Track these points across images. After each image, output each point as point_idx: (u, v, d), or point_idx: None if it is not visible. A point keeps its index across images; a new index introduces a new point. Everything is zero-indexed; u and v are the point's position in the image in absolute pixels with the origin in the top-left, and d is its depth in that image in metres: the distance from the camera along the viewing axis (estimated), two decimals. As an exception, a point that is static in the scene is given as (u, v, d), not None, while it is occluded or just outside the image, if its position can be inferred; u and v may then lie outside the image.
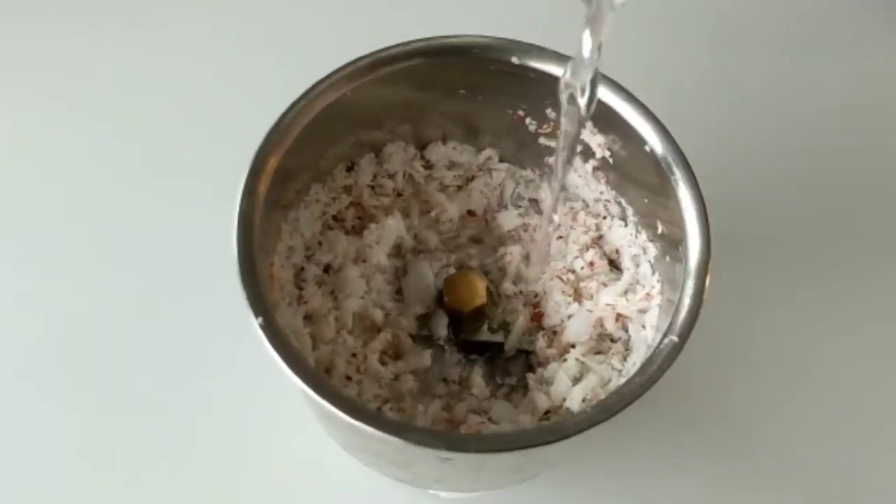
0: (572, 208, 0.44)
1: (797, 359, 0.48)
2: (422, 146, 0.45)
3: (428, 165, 0.45)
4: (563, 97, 0.34)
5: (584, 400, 0.39)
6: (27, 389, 0.45)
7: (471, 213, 0.45)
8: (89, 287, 0.48)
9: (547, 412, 0.40)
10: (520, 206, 0.45)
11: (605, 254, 0.43)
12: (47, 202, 0.51)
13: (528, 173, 0.45)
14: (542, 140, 0.43)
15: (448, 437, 0.37)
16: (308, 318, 0.41)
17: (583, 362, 0.40)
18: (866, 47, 0.59)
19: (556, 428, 0.33)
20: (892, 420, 0.47)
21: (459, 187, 0.46)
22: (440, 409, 0.41)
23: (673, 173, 0.37)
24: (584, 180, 0.43)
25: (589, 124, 0.41)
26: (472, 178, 0.46)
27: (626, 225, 0.43)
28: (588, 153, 0.42)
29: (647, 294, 0.41)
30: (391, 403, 0.40)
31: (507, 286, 0.44)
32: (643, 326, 0.40)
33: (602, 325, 0.42)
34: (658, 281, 0.40)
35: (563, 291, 0.43)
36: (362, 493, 0.43)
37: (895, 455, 0.46)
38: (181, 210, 0.50)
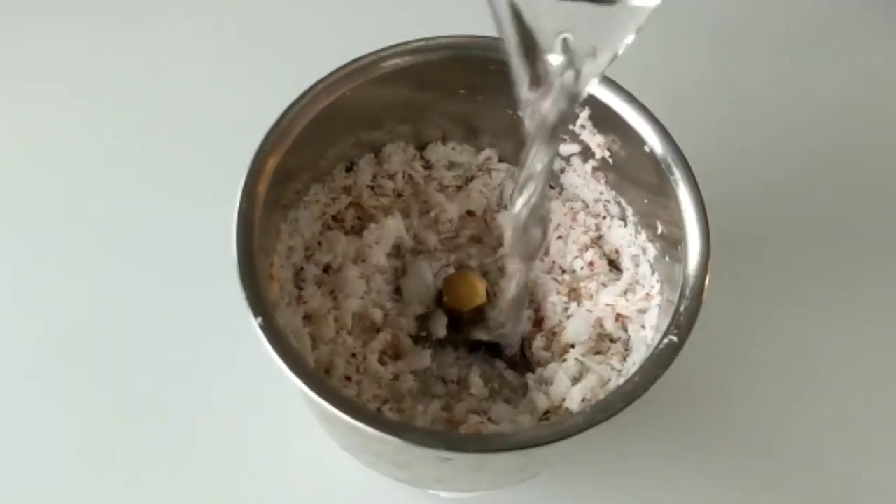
0: (572, 208, 0.44)
1: (797, 359, 0.48)
2: (421, 146, 0.45)
3: (427, 165, 0.45)
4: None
5: (583, 400, 0.39)
6: (27, 389, 0.45)
7: (470, 213, 0.45)
8: (89, 287, 0.48)
9: (546, 412, 0.40)
10: (520, 207, 0.45)
11: (604, 254, 0.43)
12: (47, 202, 0.51)
13: (527, 173, 0.45)
14: (541, 140, 0.43)
15: (448, 437, 0.37)
16: (308, 318, 0.41)
17: (582, 362, 0.40)
18: (866, 47, 0.59)
19: (555, 428, 0.33)
20: (893, 420, 0.47)
21: (459, 187, 0.46)
22: (440, 410, 0.41)
23: (673, 173, 0.37)
24: (584, 180, 0.43)
25: (589, 124, 0.41)
26: (471, 179, 0.46)
27: (625, 225, 0.43)
28: (588, 153, 0.42)
29: (647, 294, 0.41)
30: (391, 403, 0.40)
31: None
32: (643, 326, 0.40)
33: (601, 326, 0.42)
34: (658, 281, 0.40)
35: (559, 291, 0.43)
36: (362, 493, 0.43)
37: (895, 455, 0.46)
38: (181, 210, 0.50)
